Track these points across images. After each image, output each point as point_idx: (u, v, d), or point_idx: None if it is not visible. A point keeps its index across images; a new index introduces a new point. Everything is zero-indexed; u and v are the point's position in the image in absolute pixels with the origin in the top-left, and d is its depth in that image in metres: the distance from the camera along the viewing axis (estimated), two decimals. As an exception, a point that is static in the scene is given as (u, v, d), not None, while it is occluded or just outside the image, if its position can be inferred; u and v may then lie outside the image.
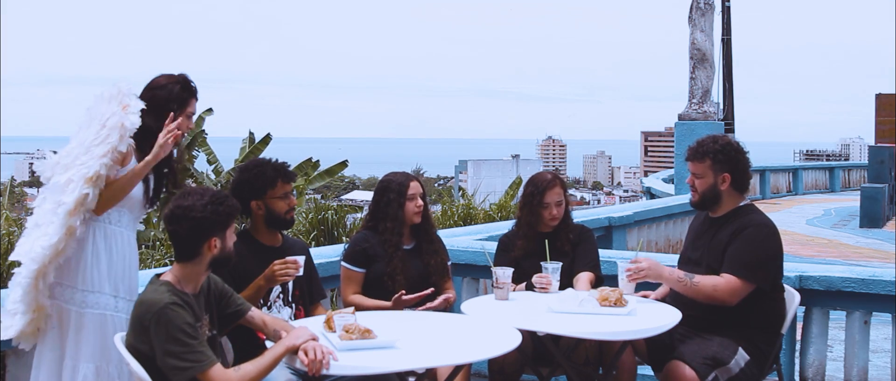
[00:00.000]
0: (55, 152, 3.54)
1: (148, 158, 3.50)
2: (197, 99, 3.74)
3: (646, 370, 4.23)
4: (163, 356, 2.96)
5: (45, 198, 3.48)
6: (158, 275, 3.16)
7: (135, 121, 3.46)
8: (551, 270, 4.15)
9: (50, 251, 3.34)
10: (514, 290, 4.20)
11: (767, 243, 3.85)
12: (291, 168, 3.97)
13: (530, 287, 4.19)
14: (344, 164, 17.42)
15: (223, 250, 3.17)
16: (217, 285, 3.31)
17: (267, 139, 16.50)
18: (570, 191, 4.57)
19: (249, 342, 3.53)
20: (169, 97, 3.62)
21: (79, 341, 3.44)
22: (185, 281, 3.14)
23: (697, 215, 4.16)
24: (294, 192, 3.97)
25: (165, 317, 2.97)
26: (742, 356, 3.77)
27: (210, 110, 15.57)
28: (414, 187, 4.35)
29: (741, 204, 3.95)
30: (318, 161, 17.07)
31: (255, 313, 3.38)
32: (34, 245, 3.38)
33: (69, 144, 3.52)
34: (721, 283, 3.79)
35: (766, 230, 3.86)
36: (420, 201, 4.34)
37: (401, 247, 4.29)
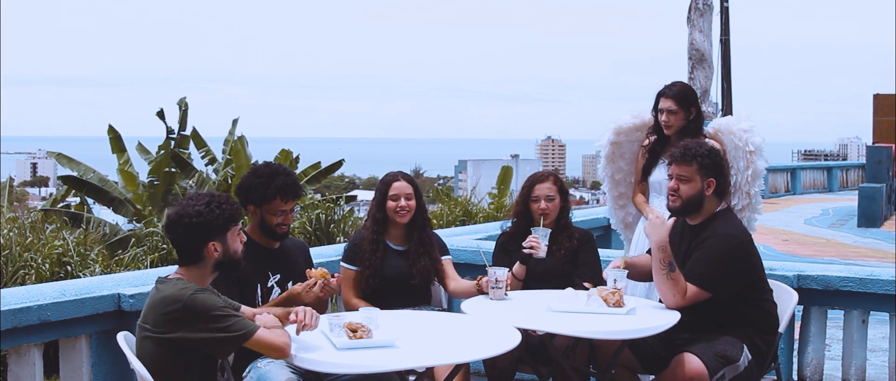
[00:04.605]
0: None
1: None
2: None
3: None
4: (209, 339, 2.98)
5: None
6: (165, 276, 3.15)
7: None
8: (541, 234, 4.18)
9: None
10: (510, 289, 4.22)
11: (727, 256, 3.78)
12: (300, 183, 3.94)
13: (523, 260, 4.22)
14: (340, 163, 17.56)
15: (226, 253, 3.17)
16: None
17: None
18: (570, 191, 4.55)
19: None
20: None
21: None
22: (194, 281, 3.13)
23: (675, 221, 4.07)
24: (297, 209, 3.94)
25: (196, 303, 2.98)
26: (747, 356, 3.78)
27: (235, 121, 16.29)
28: (397, 187, 4.26)
29: (718, 209, 3.92)
30: (318, 163, 17.29)
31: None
32: None
33: None
34: (681, 286, 3.75)
35: (731, 242, 3.80)
36: (404, 202, 4.24)
37: (380, 246, 4.24)
